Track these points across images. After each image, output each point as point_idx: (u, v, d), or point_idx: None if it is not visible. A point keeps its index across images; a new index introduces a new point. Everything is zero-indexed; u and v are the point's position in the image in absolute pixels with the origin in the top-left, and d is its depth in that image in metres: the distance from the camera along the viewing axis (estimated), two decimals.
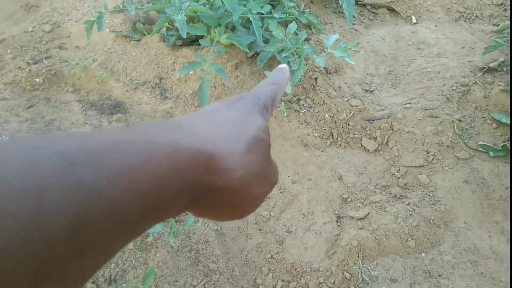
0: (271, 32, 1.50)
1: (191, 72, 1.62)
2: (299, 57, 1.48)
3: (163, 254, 1.20)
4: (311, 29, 1.96)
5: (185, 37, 1.39)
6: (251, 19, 1.46)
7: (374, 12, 2.28)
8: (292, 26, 1.50)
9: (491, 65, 1.77)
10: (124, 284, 1.13)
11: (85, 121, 1.58)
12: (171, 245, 1.20)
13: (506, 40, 1.68)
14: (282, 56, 1.48)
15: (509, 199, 1.36)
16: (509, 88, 1.59)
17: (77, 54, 1.82)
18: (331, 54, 1.48)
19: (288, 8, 1.71)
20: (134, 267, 1.18)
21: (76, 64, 1.74)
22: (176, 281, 1.17)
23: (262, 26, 1.61)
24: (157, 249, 1.20)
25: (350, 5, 1.69)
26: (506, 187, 1.39)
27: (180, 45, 1.81)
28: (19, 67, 1.68)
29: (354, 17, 2.25)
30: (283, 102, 1.61)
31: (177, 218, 1.27)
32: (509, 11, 2.22)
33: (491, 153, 1.47)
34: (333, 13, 2.20)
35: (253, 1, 1.58)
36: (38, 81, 1.63)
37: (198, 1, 1.52)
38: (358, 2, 2.30)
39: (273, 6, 1.79)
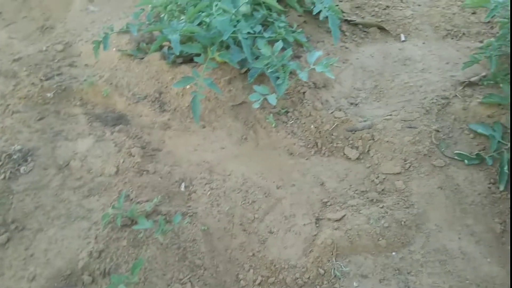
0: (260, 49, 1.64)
1: (187, 87, 1.76)
2: (284, 72, 1.61)
3: (153, 250, 1.31)
4: (302, 48, 2.09)
5: (178, 54, 1.54)
6: (240, 38, 1.60)
7: (365, 31, 2.40)
8: (278, 45, 1.63)
9: (472, 79, 1.87)
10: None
11: (90, 131, 1.73)
12: (161, 242, 1.32)
13: (485, 56, 1.78)
14: (269, 71, 1.62)
15: (480, 204, 1.43)
16: (487, 100, 1.68)
17: (86, 71, 2.00)
18: (317, 70, 1.61)
19: (278, 28, 1.85)
20: (126, 262, 1.30)
21: (85, 80, 1.90)
22: (164, 275, 1.28)
23: (254, 45, 1.75)
24: (148, 246, 1.32)
25: (335, 25, 1.82)
26: (478, 192, 1.47)
27: (180, 63, 1.96)
28: (33, 83, 1.85)
29: (346, 35, 2.38)
30: (271, 114, 1.73)
31: (167, 217, 1.39)
32: (496, 29, 2.31)
33: (466, 161, 1.56)
34: (325, 32, 2.33)
35: (245, 22, 1.73)
36: (49, 95, 1.79)
37: (193, 22, 1.67)
38: (351, 22, 2.43)
39: (267, 26, 1.94)
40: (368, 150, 1.66)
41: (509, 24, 1.59)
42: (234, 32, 1.61)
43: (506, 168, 1.47)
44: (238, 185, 1.53)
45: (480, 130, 1.62)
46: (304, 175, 1.59)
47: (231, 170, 1.58)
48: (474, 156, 1.56)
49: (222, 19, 1.57)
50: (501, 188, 1.46)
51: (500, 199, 1.45)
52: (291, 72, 1.72)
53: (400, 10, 2.45)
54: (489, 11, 1.69)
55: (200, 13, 1.66)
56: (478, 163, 1.55)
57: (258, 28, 1.79)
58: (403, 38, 2.31)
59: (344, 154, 1.66)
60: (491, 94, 1.68)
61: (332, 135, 1.70)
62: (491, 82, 1.81)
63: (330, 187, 1.54)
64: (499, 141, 1.56)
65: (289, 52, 1.64)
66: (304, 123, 1.75)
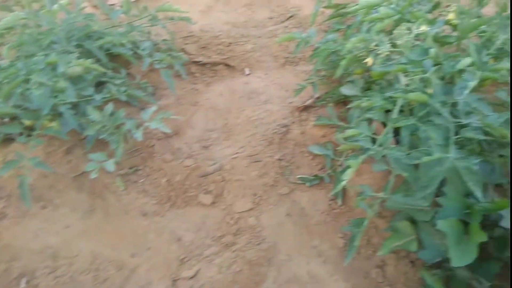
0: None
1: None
2: (118, 135, 1.57)
3: None
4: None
5: None
6: (62, 110, 1.52)
7: (213, 70, 2.48)
8: (108, 108, 1.59)
9: (307, 103, 2.03)
10: None
11: None
12: None
13: (309, 82, 1.95)
14: (103, 136, 1.56)
15: (324, 222, 1.54)
16: (318, 122, 1.84)
17: None
18: (151, 127, 1.59)
19: (114, 86, 1.81)
20: None
21: None
22: None
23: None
24: None
25: (168, 76, 1.85)
26: (321, 211, 1.58)
27: (12, 139, 1.80)
28: None
29: (196, 76, 2.43)
30: (118, 177, 1.67)
31: None
32: None
33: (308, 184, 1.67)
34: (175, 77, 2.35)
35: (73, 86, 1.65)
36: None
37: (8, 101, 1.55)
38: (199, 63, 2.49)
39: (103, 84, 1.88)
40: (222, 192, 1.69)
41: (319, 52, 1.76)
42: (55, 104, 1.52)
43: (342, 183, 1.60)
44: (87, 264, 1.43)
45: (316, 151, 1.76)
46: (160, 234, 1.55)
47: (78, 250, 1.48)
48: (314, 177, 1.68)
49: (38, 93, 1.47)
50: (339, 202, 1.59)
51: (340, 214, 1.57)
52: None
53: (242, 45, 2.59)
54: (295, 47, 1.87)
55: (15, 90, 1.54)
56: (318, 183, 1.67)
57: (90, 91, 1.73)
58: (247, 72, 2.43)
59: (199, 201, 1.67)
60: (320, 116, 1.84)
61: (184, 185, 1.70)
62: (323, 102, 1.99)
63: (187, 240, 1.52)
64: (332, 159, 1.71)
65: (121, 113, 1.61)
66: (156, 178, 1.72)
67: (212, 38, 2.60)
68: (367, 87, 1.71)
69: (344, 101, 1.90)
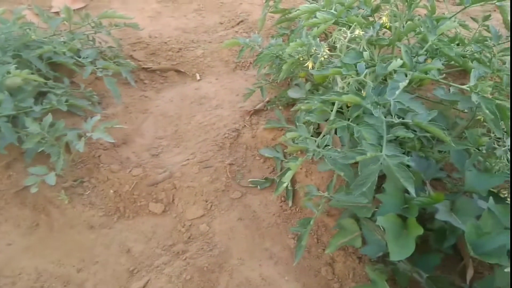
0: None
1: None
2: (59, 147, 1.51)
3: None
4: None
5: None
6: None
7: (164, 76, 2.45)
8: (47, 119, 1.53)
9: (257, 107, 2.05)
10: None
11: None
12: None
13: (257, 86, 1.97)
14: (41, 149, 1.50)
15: (275, 224, 1.56)
16: (267, 126, 1.85)
17: None
18: (93, 137, 1.55)
19: (55, 96, 1.74)
20: None
21: None
22: None
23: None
24: None
25: (112, 84, 1.81)
26: (272, 213, 1.60)
27: None
28: None
29: (145, 83, 2.39)
30: (62, 190, 1.61)
31: None
32: None
33: (259, 187, 1.69)
34: (123, 84, 2.29)
35: (11, 98, 1.58)
36: None
37: None
38: (148, 69, 2.45)
39: (45, 94, 1.81)
40: (173, 200, 1.67)
41: (262, 57, 1.79)
42: None
43: (289, 185, 1.63)
44: (31, 282, 1.36)
45: (267, 154, 1.78)
46: (108, 246, 1.50)
47: (21, 267, 1.41)
48: (265, 180, 1.70)
49: None
50: (290, 204, 1.62)
51: (291, 215, 1.60)
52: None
53: (192, 50, 2.58)
54: (239, 52, 1.89)
55: None
56: (270, 185, 1.69)
57: (29, 102, 1.66)
58: (198, 77, 2.42)
59: (150, 210, 1.64)
60: (270, 119, 1.87)
61: (133, 195, 1.66)
62: (273, 106, 2.01)
63: (137, 251, 1.49)
64: (282, 161, 1.74)
65: (61, 123, 1.55)
66: (103, 189, 1.67)
67: (161, 44, 2.57)
68: (314, 89, 1.76)
69: (292, 104, 1.94)
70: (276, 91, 2.06)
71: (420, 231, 1.13)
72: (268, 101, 2.06)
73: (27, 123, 1.51)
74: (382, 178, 1.24)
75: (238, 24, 2.83)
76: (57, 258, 1.45)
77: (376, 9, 1.78)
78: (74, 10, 2.17)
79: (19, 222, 1.54)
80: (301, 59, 1.54)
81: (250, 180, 1.71)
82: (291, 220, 1.58)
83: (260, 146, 1.85)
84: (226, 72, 2.46)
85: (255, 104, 2.07)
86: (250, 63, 2.52)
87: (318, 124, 1.69)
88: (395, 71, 1.25)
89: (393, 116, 1.09)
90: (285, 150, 1.75)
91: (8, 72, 1.61)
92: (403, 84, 1.16)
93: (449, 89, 1.51)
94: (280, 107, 1.96)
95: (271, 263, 1.44)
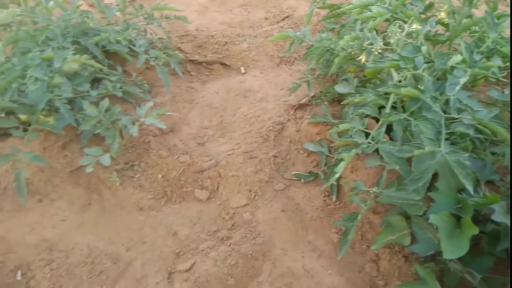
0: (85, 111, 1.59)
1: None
2: (114, 130, 1.57)
3: None
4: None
5: None
6: (58, 105, 1.53)
7: (209, 68, 2.50)
8: (104, 103, 1.60)
9: (302, 101, 2.05)
10: None
11: None
12: None
13: (304, 80, 1.97)
14: (98, 131, 1.57)
15: (318, 217, 1.56)
16: (313, 120, 1.85)
17: None
18: (146, 123, 1.61)
19: (110, 83, 1.82)
20: None
21: None
22: None
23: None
24: None
25: (164, 73, 1.86)
26: (316, 207, 1.60)
27: (9, 134, 1.80)
28: None
29: (192, 75, 2.45)
30: (114, 172, 1.67)
31: None
32: None
33: (303, 180, 1.69)
34: (171, 75, 2.36)
35: (69, 82, 1.66)
36: None
37: (4, 95, 1.55)
38: (195, 61, 2.51)
39: (99, 80, 1.89)
40: (218, 188, 1.70)
41: (312, 50, 1.79)
42: (50, 99, 1.53)
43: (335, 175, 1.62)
44: (83, 258, 1.43)
45: (311, 148, 1.78)
46: (155, 228, 1.56)
47: (74, 243, 1.48)
48: (308, 174, 1.70)
49: (34, 88, 1.48)
50: (334, 198, 1.61)
51: (334, 210, 1.60)
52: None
53: (238, 44, 2.61)
54: (289, 45, 1.89)
55: (11, 84, 1.54)
56: (313, 179, 1.69)
57: (86, 87, 1.74)
58: (243, 71, 2.46)
59: (195, 197, 1.68)
60: (315, 114, 1.86)
61: (180, 180, 1.71)
62: (318, 101, 2.01)
63: (183, 234, 1.53)
64: (327, 155, 1.73)
65: (117, 108, 1.62)
66: (152, 173, 1.72)
67: (208, 38, 2.62)
68: (361, 85, 1.74)
69: (338, 99, 1.93)
70: (321, 86, 2.05)
71: (475, 230, 1.09)
72: (313, 96, 2.06)
73: (84, 106, 1.59)
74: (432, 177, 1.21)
75: (283, 19, 2.84)
76: (107, 236, 1.52)
77: (430, 6, 1.74)
78: (128, 1, 2.26)
79: (73, 200, 1.62)
80: (353, 53, 1.53)
81: (293, 173, 1.72)
82: (335, 215, 1.58)
83: (304, 140, 1.85)
84: (271, 67, 2.47)
85: (299, 99, 2.07)
86: (295, 58, 2.52)
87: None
88: (453, 67, 1.22)
89: (453, 112, 1.07)
90: (330, 145, 1.74)
91: (65, 58, 1.70)
92: (463, 80, 1.13)
93: (503, 91, 1.46)
94: (325, 102, 1.95)
95: (314, 255, 1.44)
